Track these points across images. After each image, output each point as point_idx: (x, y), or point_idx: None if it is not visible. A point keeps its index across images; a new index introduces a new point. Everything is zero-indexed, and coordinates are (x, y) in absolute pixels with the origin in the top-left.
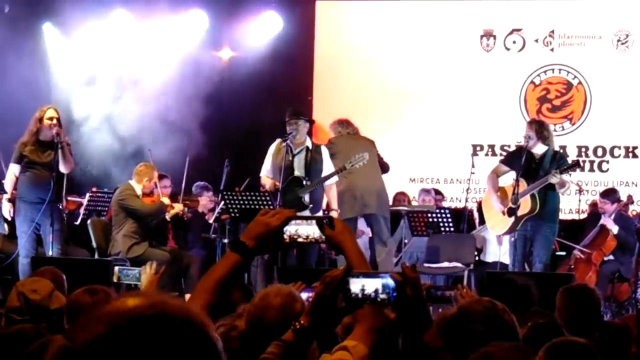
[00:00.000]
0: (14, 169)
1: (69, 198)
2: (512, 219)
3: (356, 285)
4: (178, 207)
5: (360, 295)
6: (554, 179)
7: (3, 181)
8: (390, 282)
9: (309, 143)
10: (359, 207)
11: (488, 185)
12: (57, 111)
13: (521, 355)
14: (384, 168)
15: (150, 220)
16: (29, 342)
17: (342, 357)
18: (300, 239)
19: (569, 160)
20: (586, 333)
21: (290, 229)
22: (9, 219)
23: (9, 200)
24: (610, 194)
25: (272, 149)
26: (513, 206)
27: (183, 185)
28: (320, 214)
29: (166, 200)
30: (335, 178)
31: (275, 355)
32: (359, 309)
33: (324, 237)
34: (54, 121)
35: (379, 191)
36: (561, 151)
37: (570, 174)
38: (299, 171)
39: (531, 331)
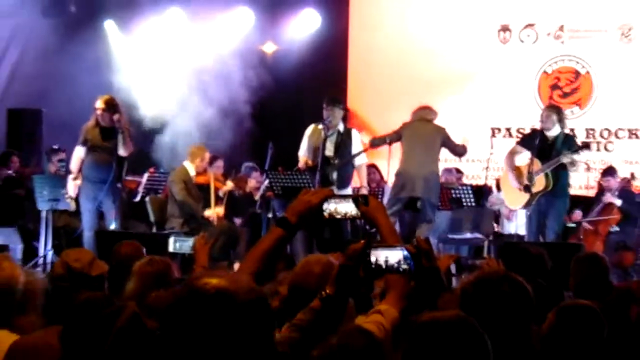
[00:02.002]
0: (79, 151)
1: (129, 177)
2: (528, 195)
3: (380, 256)
4: (229, 186)
5: (384, 266)
6: (565, 159)
7: (70, 164)
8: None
9: (341, 127)
10: (408, 190)
11: (505, 164)
12: (108, 99)
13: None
14: (457, 152)
15: (186, 208)
16: (99, 309)
17: (376, 319)
18: (338, 216)
19: (578, 141)
20: (597, 296)
21: (330, 207)
22: (74, 196)
23: (74, 179)
24: (608, 172)
25: (308, 131)
26: (529, 184)
27: (234, 166)
28: (349, 190)
29: (215, 185)
30: (365, 158)
31: (305, 321)
32: (389, 277)
33: (360, 213)
34: (99, 110)
35: (427, 177)
36: (571, 133)
37: (579, 154)
38: (328, 152)
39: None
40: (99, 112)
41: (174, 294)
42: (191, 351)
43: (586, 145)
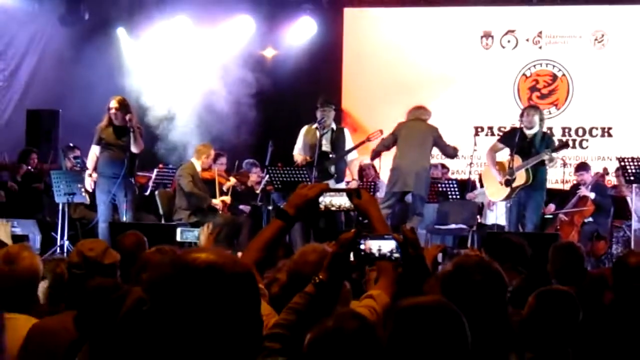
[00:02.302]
0: (94, 150)
1: (140, 173)
2: (509, 188)
3: (371, 245)
4: (232, 181)
5: (377, 255)
6: (545, 157)
7: (86, 160)
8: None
9: (333, 125)
10: (400, 184)
11: (487, 160)
12: (121, 100)
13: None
14: (447, 152)
15: (194, 200)
16: (108, 295)
17: (369, 303)
18: (333, 208)
19: (555, 139)
20: (573, 282)
21: (325, 200)
22: (90, 190)
23: (90, 175)
24: (582, 167)
25: (303, 130)
26: (510, 178)
27: (237, 162)
28: (343, 184)
29: (219, 180)
30: (356, 154)
31: (300, 305)
32: (381, 264)
33: (353, 206)
34: (113, 109)
35: (419, 172)
36: (548, 132)
37: (558, 153)
38: (326, 147)
39: (523, 282)
40: (112, 111)
41: (163, 269)
42: (181, 324)
43: (565, 144)
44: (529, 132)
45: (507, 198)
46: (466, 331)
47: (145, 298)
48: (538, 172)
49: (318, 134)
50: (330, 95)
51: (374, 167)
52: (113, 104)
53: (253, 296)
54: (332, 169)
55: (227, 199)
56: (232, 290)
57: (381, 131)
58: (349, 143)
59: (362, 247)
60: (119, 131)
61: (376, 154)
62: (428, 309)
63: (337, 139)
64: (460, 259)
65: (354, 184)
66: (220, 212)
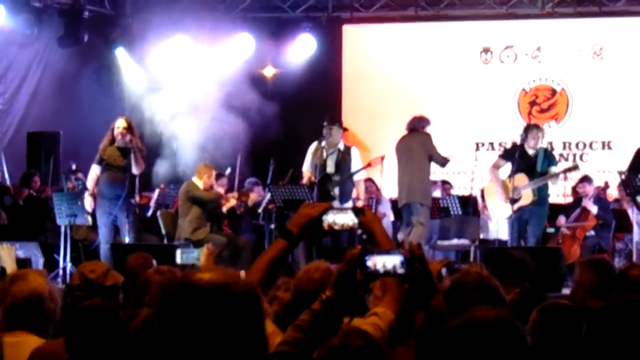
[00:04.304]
0: (95, 170)
1: (141, 194)
2: (514, 205)
3: (377, 261)
4: (233, 202)
5: (382, 271)
6: (553, 180)
7: (86, 181)
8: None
9: (341, 146)
10: (399, 198)
11: (491, 177)
12: (128, 121)
13: (503, 324)
14: (436, 160)
15: (211, 206)
16: (100, 315)
17: (373, 321)
18: (336, 227)
19: (556, 154)
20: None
21: (329, 218)
22: (90, 211)
23: (91, 195)
24: (585, 179)
25: (311, 148)
26: (515, 197)
27: (236, 181)
28: (350, 204)
29: (222, 190)
30: (364, 174)
31: (306, 322)
32: (386, 281)
33: (357, 224)
34: (121, 129)
35: (413, 183)
36: (549, 148)
37: (568, 174)
38: (330, 169)
39: (518, 296)
40: (119, 131)
41: (169, 290)
42: (188, 343)
43: (575, 167)
44: (530, 150)
45: (511, 216)
46: (528, 350)
47: (152, 318)
48: (541, 189)
49: (325, 154)
50: (331, 113)
51: (375, 183)
52: (121, 123)
53: (257, 314)
54: (336, 191)
55: (235, 195)
56: (236, 309)
57: (382, 157)
58: (357, 162)
59: (368, 263)
60: (122, 152)
61: None
62: (490, 325)
63: (344, 160)
64: (459, 276)
65: (359, 203)
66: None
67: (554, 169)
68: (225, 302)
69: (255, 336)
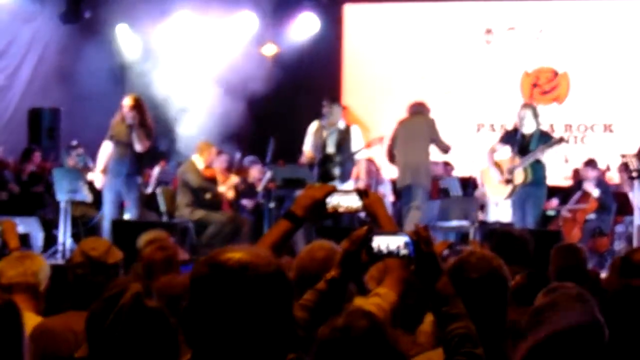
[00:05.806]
0: (106, 146)
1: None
2: (510, 187)
3: (382, 242)
4: (234, 180)
5: (385, 251)
6: (539, 154)
7: (88, 158)
8: (409, 240)
9: (341, 125)
10: (400, 179)
11: (487, 160)
12: (135, 98)
13: (582, 305)
14: (439, 146)
15: (201, 191)
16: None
17: (376, 301)
18: (341, 209)
19: (556, 136)
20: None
21: (332, 201)
22: (99, 188)
23: (102, 171)
24: (590, 163)
25: (312, 127)
26: (509, 177)
27: (237, 159)
28: (351, 184)
29: (220, 177)
30: (364, 153)
31: (311, 302)
32: (388, 262)
33: (360, 206)
34: (125, 107)
35: (418, 165)
36: (545, 130)
37: (553, 147)
38: (330, 149)
39: (524, 279)
40: (125, 109)
41: (198, 269)
42: (218, 322)
43: (559, 140)
44: (526, 131)
45: (509, 197)
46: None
47: (141, 293)
48: (536, 170)
49: (325, 133)
50: (331, 92)
51: (375, 164)
52: (126, 101)
53: (286, 294)
54: (337, 171)
55: (235, 179)
56: (266, 289)
57: (381, 138)
58: (358, 141)
59: (373, 244)
60: (129, 128)
61: (390, 156)
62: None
63: (344, 139)
64: (462, 257)
65: (361, 184)
66: (222, 210)
67: (541, 148)
68: (255, 282)
69: (283, 315)
